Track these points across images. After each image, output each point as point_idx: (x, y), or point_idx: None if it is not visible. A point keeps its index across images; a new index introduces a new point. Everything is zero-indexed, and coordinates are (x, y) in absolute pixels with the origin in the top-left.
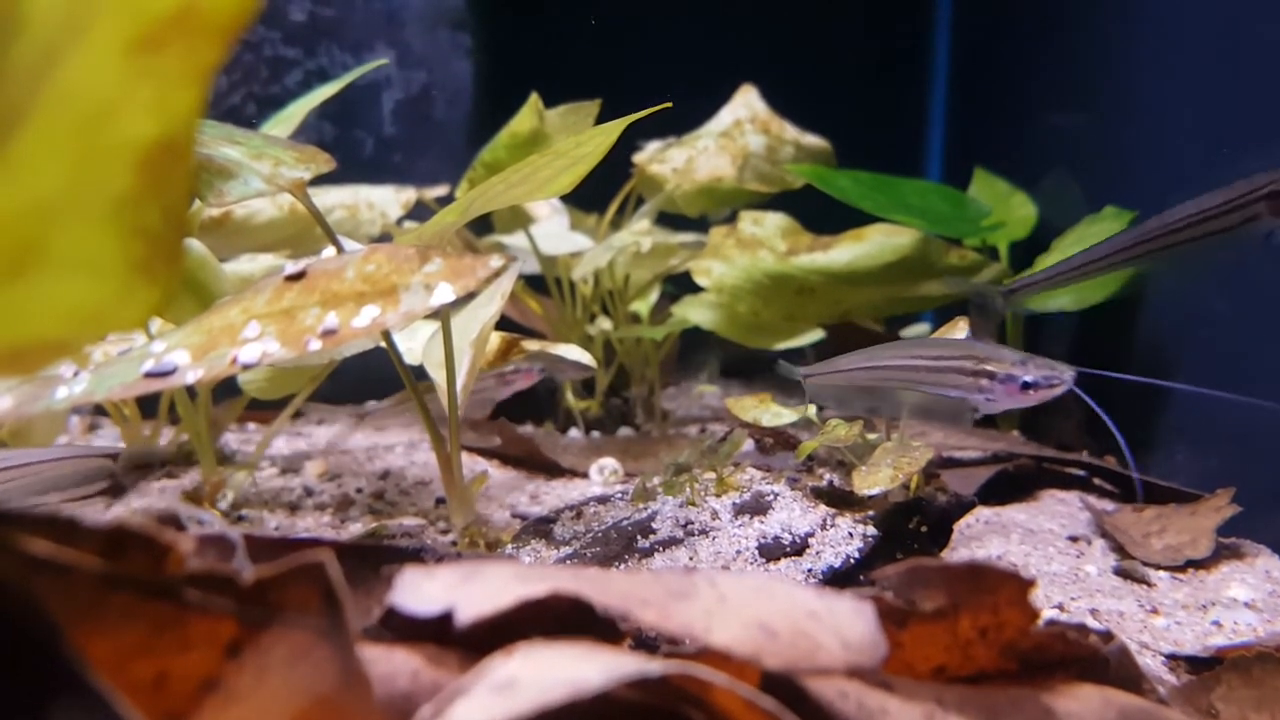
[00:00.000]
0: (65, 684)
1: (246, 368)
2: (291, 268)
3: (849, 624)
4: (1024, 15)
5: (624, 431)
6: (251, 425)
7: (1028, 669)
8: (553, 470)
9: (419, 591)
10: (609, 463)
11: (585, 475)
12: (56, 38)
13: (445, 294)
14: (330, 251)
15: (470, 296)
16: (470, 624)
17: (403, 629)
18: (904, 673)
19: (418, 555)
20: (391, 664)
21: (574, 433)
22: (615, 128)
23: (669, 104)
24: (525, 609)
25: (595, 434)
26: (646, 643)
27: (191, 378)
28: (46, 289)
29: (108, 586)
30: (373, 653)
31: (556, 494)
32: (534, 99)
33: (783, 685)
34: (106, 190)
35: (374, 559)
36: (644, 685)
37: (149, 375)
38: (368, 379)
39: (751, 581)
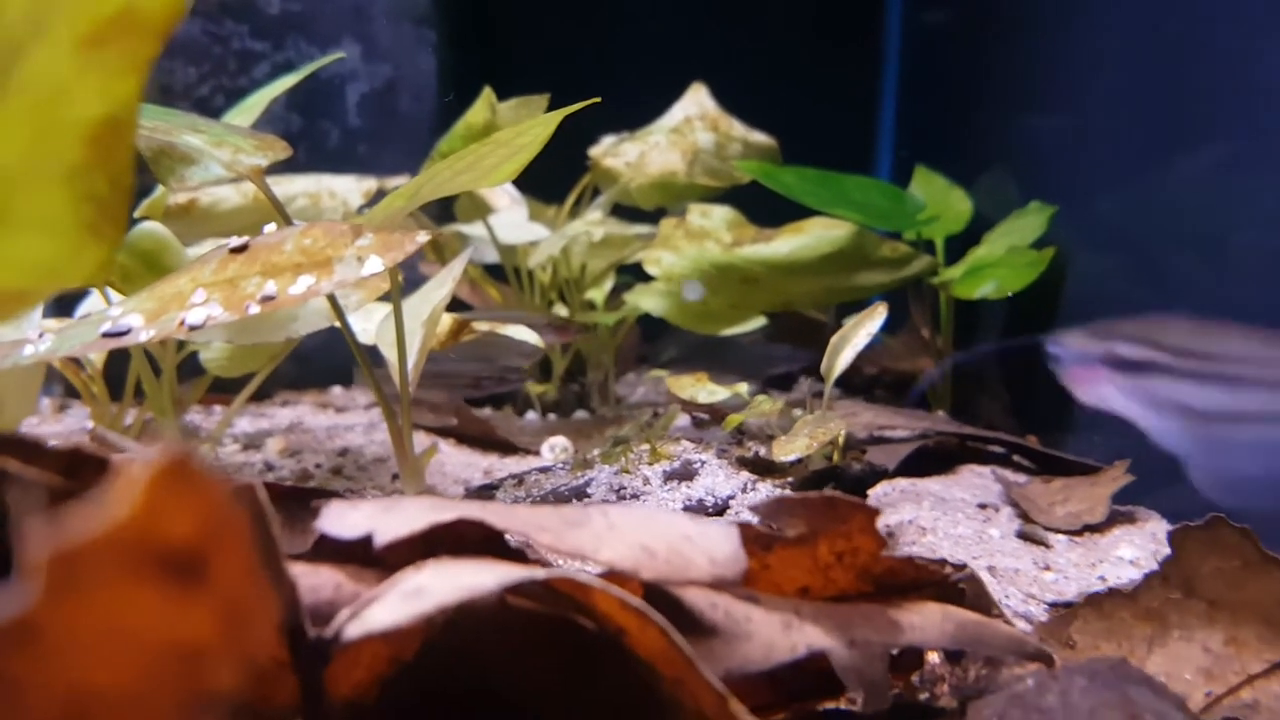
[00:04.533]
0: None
1: (193, 329)
2: (236, 241)
3: (717, 544)
4: (971, 17)
5: (579, 414)
6: (218, 407)
7: (883, 591)
8: (507, 448)
9: (343, 519)
10: (560, 441)
11: (538, 453)
12: (19, 36)
13: (375, 265)
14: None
15: (422, 281)
16: (387, 545)
17: (330, 554)
18: (772, 592)
19: (351, 496)
20: (318, 578)
21: (531, 415)
22: (552, 119)
23: (598, 99)
24: (436, 532)
25: (551, 416)
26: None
27: (144, 337)
28: (10, 246)
29: (66, 499)
30: (301, 569)
31: (509, 470)
32: (487, 92)
33: (661, 595)
34: (61, 161)
35: (309, 498)
36: (536, 594)
37: (106, 335)
38: (333, 363)
39: (640, 512)
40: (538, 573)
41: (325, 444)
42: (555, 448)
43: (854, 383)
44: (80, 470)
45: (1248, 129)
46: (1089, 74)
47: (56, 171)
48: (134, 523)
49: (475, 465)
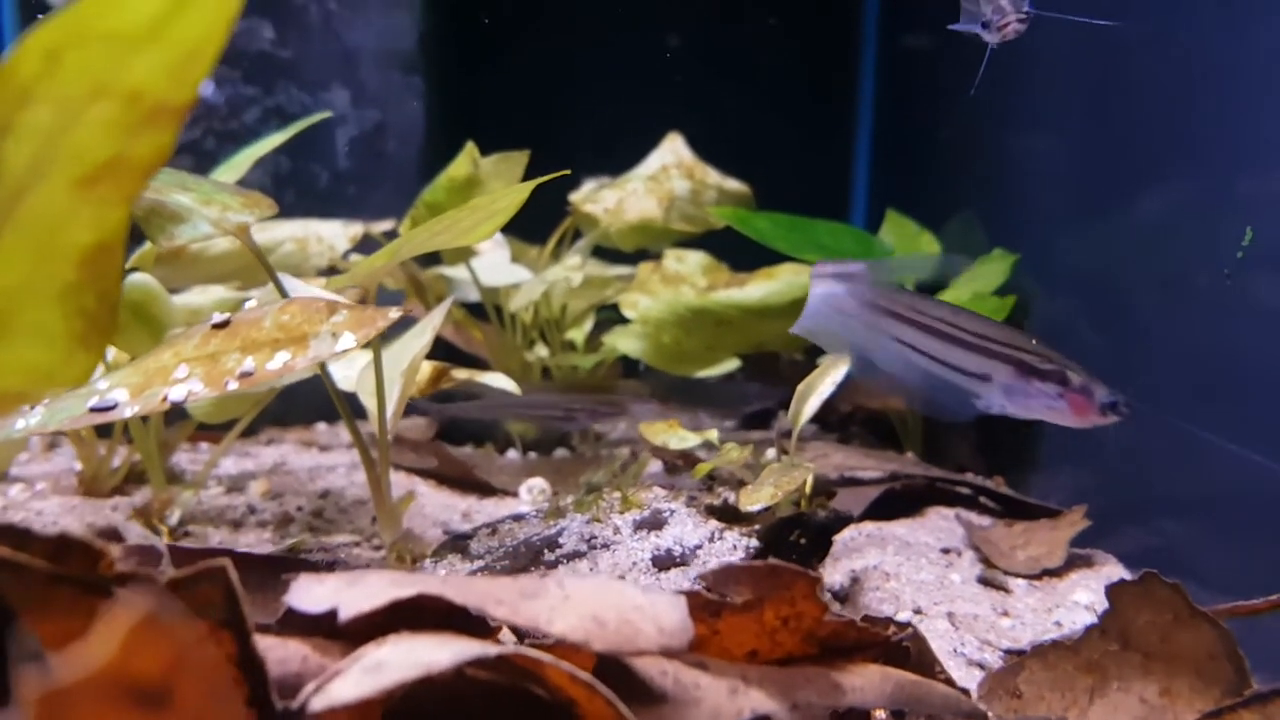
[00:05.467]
0: (20, 654)
1: (175, 405)
2: (218, 317)
3: (665, 614)
4: (944, 62)
5: (560, 453)
6: (204, 445)
7: (828, 653)
8: (485, 490)
9: (309, 593)
10: (538, 483)
11: (516, 495)
12: (23, 179)
13: (348, 341)
14: (275, 287)
15: (406, 327)
16: (350, 619)
17: (299, 625)
18: (722, 656)
19: (321, 566)
20: (286, 651)
21: (512, 453)
22: (524, 189)
23: (568, 171)
24: (397, 607)
25: (532, 455)
26: (523, 639)
27: (129, 413)
28: (12, 354)
29: (53, 583)
30: (270, 642)
31: (488, 512)
32: (469, 147)
33: (613, 665)
34: (56, 282)
35: (281, 569)
36: (491, 665)
37: (93, 410)
38: (318, 400)
39: (594, 583)
40: (491, 649)
41: (307, 486)
42: (533, 489)
43: (829, 420)
44: (66, 556)
45: (1200, 177)
46: (1051, 124)
47: (52, 291)
48: (111, 666)
49: (454, 507)
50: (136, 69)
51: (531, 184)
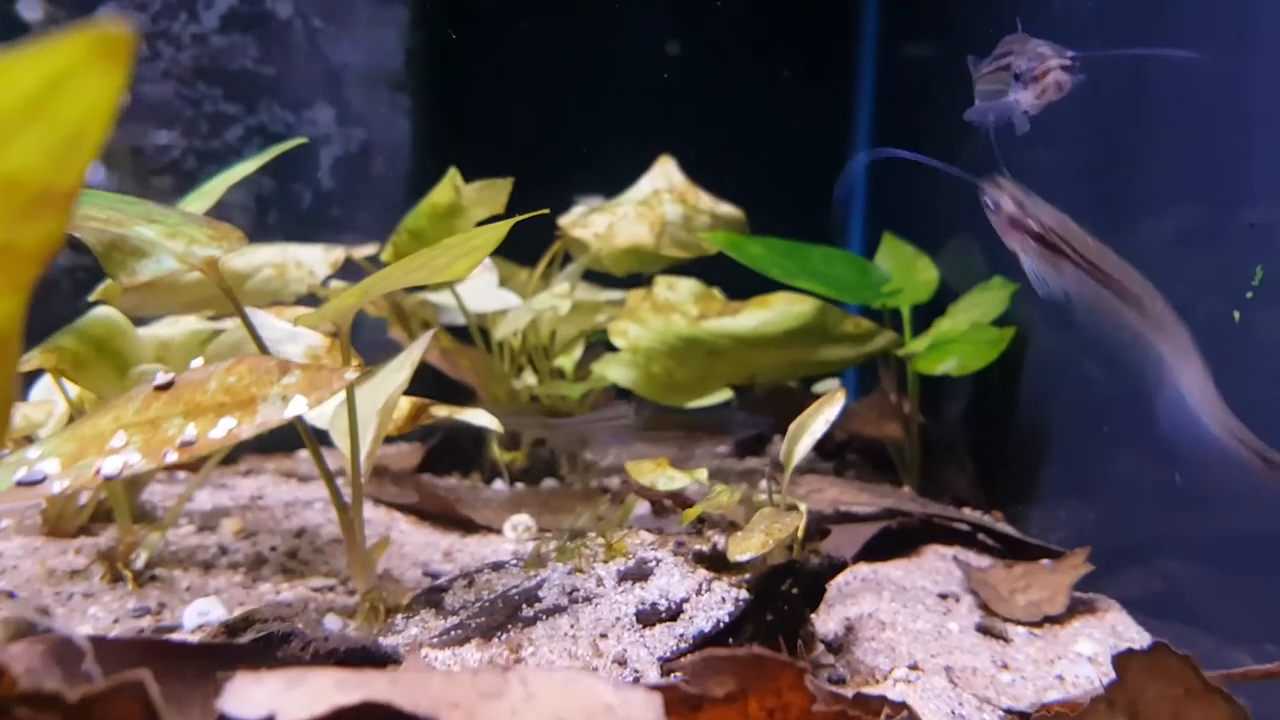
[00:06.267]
0: None
1: (108, 479)
2: (161, 378)
3: (639, 714)
4: (941, 86)
5: (548, 483)
6: (181, 474)
7: None
8: (469, 527)
9: (245, 697)
10: (523, 519)
11: (499, 532)
12: None
13: (300, 406)
14: (253, 321)
15: (389, 355)
16: None
17: None
18: None
19: (270, 648)
20: None
21: (498, 484)
22: (502, 228)
23: (546, 210)
24: (340, 715)
25: (519, 485)
26: None
27: (58, 487)
28: None
29: None
30: None
31: (470, 552)
32: (452, 173)
33: None
34: None
35: (219, 659)
36: None
37: (20, 483)
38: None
39: (561, 677)
40: None
41: (283, 523)
42: (517, 527)
43: (825, 448)
44: None
45: (1209, 209)
46: (1054, 148)
47: None
48: None
49: (435, 546)
50: (13, 154)
51: (509, 222)
